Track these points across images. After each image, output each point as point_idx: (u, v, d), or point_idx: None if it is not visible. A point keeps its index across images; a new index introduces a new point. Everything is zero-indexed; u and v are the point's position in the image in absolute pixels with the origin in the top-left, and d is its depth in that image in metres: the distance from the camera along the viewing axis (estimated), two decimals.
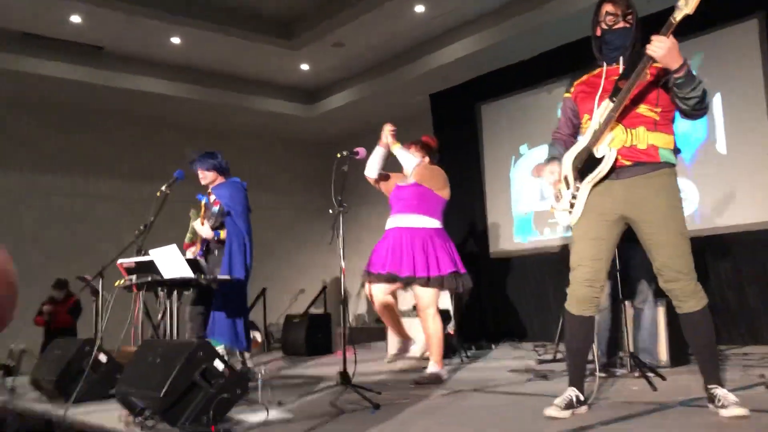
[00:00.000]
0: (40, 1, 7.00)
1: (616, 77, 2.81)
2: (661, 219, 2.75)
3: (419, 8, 7.50)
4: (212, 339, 4.77)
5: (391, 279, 4.35)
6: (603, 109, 2.82)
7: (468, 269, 4.53)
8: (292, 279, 10.60)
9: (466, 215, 8.65)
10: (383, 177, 4.73)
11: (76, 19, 7.37)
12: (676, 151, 2.88)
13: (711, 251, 6.19)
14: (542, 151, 7.54)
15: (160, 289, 4.46)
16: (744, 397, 2.68)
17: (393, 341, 4.87)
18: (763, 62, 6.10)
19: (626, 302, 4.33)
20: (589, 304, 2.87)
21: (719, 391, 2.66)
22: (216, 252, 5.01)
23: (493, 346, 7.07)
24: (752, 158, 6.12)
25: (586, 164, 2.86)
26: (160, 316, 4.76)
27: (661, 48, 2.56)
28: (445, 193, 4.54)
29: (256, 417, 3.04)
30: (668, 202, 2.77)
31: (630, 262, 4.31)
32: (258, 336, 8.69)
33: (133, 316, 5.23)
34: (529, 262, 7.91)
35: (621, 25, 2.87)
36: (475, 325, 7.82)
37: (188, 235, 5.22)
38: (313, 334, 7.65)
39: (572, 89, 3.06)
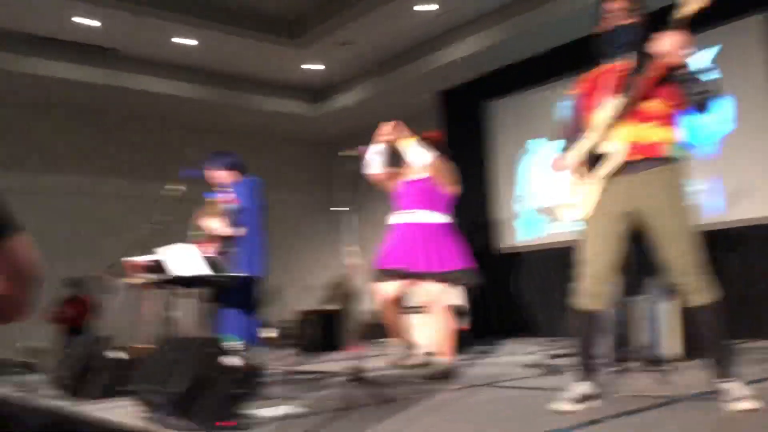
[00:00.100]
0: (49, 4, 7.04)
1: (624, 73, 2.82)
2: (670, 213, 2.76)
3: (425, 6, 7.49)
4: (225, 335, 4.81)
5: (403, 275, 4.34)
6: (611, 105, 2.83)
7: (479, 264, 4.53)
8: (304, 276, 10.64)
9: (472, 212, 8.64)
10: (388, 173, 4.67)
11: (82, 20, 7.39)
12: (687, 146, 2.88)
13: (721, 245, 6.17)
14: (549, 148, 7.53)
15: (175, 286, 4.50)
16: (755, 391, 2.68)
17: (395, 346, 4.75)
18: None
19: (636, 297, 4.34)
20: (598, 298, 2.89)
21: (730, 385, 2.67)
22: (231, 250, 5.04)
23: (504, 342, 7.08)
24: (763, 151, 6.10)
25: (594, 160, 2.87)
26: (173, 313, 4.80)
27: (666, 44, 2.57)
28: (455, 189, 4.54)
29: (271, 412, 3.08)
30: (676, 197, 2.77)
31: (640, 257, 4.30)
32: (272, 333, 8.74)
33: (146, 313, 5.28)
34: (540, 256, 7.91)
35: (626, 21, 2.88)
36: (486, 321, 7.84)
37: (198, 232, 5.24)
38: (326, 330, 7.70)
39: (580, 85, 3.07)
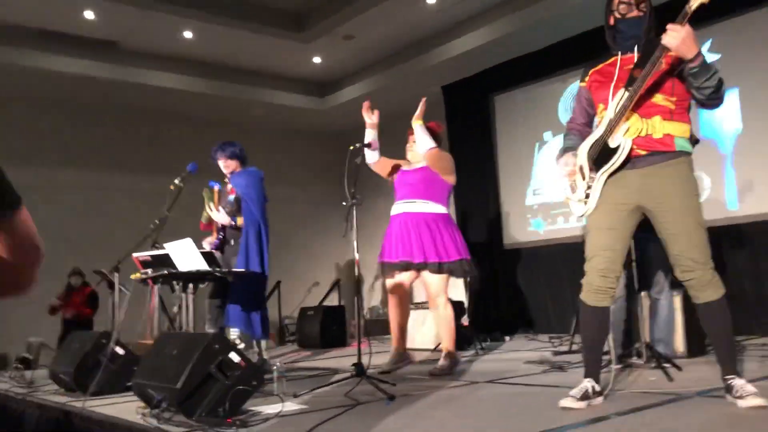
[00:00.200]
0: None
1: (631, 67, 2.79)
2: (677, 208, 2.73)
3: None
4: (228, 326, 4.81)
5: (405, 267, 4.33)
6: (618, 98, 2.80)
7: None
8: (306, 271, 10.62)
9: (480, 206, 8.64)
10: (385, 161, 4.64)
11: (88, 14, 7.40)
12: (695, 140, 2.85)
13: (729, 241, 6.14)
14: (557, 141, 7.50)
15: (175, 282, 4.49)
16: (762, 387, 2.66)
17: (391, 351, 4.58)
18: None
19: (642, 293, 4.31)
20: (604, 294, 2.86)
21: (737, 382, 2.65)
22: (232, 241, 5.03)
23: (507, 338, 7.06)
24: None
25: (602, 154, 2.84)
26: (176, 308, 4.80)
27: (676, 38, 2.54)
28: (452, 179, 4.51)
29: (272, 408, 3.05)
30: (684, 192, 2.74)
31: (646, 252, 4.28)
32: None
33: (149, 309, 5.27)
34: (544, 252, 7.89)
35: (634, 13, 2.85)
36: (490, 317, 7.81)
37: (204, 214, 5.24)
38: (328, 326, 7.69)
39: (587, 78, 3.04)
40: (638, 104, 2.78)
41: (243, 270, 4.67)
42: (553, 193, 7.78)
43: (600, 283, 2.85)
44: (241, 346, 4.95)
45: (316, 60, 9.11)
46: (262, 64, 9.20)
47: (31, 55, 7.89)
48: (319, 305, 8.53)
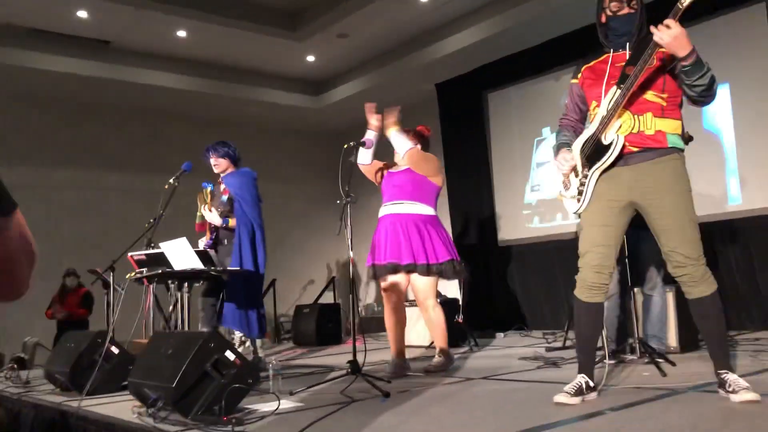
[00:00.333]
0: None
1: (623, 64, 2.80)
2: (670, 204, 2.74)
3: None
4: (223, 326, 4.81)
5: (393, 269, 4.25)
6: (610, 96, 2.81)
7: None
8: (301, 269, 10.63)
9: (474, 203, 8.65)
10: (375, 165, 4.58)
11: (82, 14, 7.39)
12: (688, 137, 2.86)
13: (721, 236, 6.17)
14: (551, 138, 7.52)
15: (170, 281, 4.49)
16: (755, 382, 2.68)
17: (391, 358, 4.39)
18: None
19: (635, 288, 4.33)
20: (598, 290, 2.88)
21: (730, 377, 2.66)
22: (225, 241, 5.04)
23: (501, 334, 7.08)
24: (763, 142, 6.08)
25: (594, 151, 2.85)
26: (171, 308, 4.80)
27: (668, 35, 2.55)
28: (438, 180, 4.44)
29: (268, 406, 3.06)
30: (676, 188, 2.76)
31: (639, 249, 4.30)
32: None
33: (145, 308, 5.27)
34: (538, 249, 7.91)
35: (626, 11, 2.86)
36: (484, 314, 7.84)
37: (198, 214, 5.24)
38: (323, 323, 7.70)
39: (579, 75, 3.05)
40: (630, 101, 2.79)
41: (237, 269, 4.67)
42: (552, 189, 7.81)
43: (594, 279, 2.86)
44: (247, 344, 4.96)
45: (310, 58, 9.10)
46: (255, 62, 9.20)
47: (25, 55, 7.87)
48: (315, 303, 8.54)
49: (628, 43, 2.87)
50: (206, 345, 2.94)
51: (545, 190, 7.84)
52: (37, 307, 7.64)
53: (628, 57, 2.82)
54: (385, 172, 4.56)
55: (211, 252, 4.64)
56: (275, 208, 9.31)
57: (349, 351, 3.74)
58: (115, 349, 4.12)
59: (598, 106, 2.88)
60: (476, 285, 7.72)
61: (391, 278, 4.32)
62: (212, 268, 4.38)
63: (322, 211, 10.52)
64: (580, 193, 2.92)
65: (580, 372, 2.89)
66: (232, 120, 10.26)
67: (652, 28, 2.59)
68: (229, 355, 2.97)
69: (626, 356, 4.12)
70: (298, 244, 10.73)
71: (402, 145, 4.37)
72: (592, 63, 3.02)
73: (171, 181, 4.83)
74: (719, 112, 6.35)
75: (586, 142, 2.90)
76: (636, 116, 2.79)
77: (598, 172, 2.85)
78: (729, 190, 6.32)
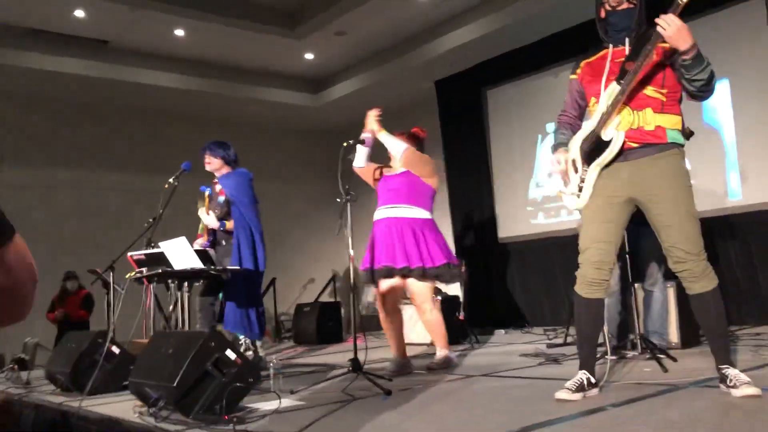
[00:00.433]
0: None
1: (622, 59, 2.79)
2: (670, 200, 2.74)
3: None
4: (225, 329, 4.81)
5: (388, 273, 4.20)
6: (610, 91, 2.80)
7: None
8: (302, 268, 10.63)
9: (473, 200, 8.64)
10: (371, 167, 4.53)
11: (80, 13, 7.37)
12: (689, 133, 2.86)
13: (721, 231, 6.16)
14: (551, 135, 7.51)
15: (170, 281, 4.49)
16: (756, 377, 2.68)
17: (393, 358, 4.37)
18: None
19: (636, 284, 4.33)
20: (598, 286, 2.87)
21: (731, 372, 2.66)
22: (224, 242, 5.03)
23: (502, 331, 7.08)
24: (762, 137, 6.08)
25: (594, 147, 2.84)
26: (171, 307, 4.80)
27: (671, 28, 2.54)
28: (433, 182, 4.39)
29: (269, 405, 3.06)
30: (676, 183, 2.75)
31: (639, 244, 4.29)
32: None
33: (145, 308, 5.27)
34: (539, 246, 7.90)
35: (625, 6, 2.85)
36: (485, 311, 7.84)
37: (201, 226, 5.23)
38: (324, 322, 7.71)
39: (579, 71, 3.04)
40: (630, 97, 2.78)
41: (237, 268, 4.67)
42: (547, 187, 7.81)
43: (594, 275, 2.86)
44: (237, 343, 4.95)
45: (309, 56, 9.09)
46: (254, 61, 9.18)
47: (23, 55, 7.86)
48: (315, 301, 8.55)
49: (627, 39, 2.85)
50: (207, 344, 2.93)
51: (549, 186, 7.83)
52: (37, 307, 7.60)
53: (627, 52, 2.81)
54: (381, 174, 4.53)
55: (211, 251, 4.64)
56: (275, 207, 9.32)
57: (350, 349, 3.74)
58: (115, 349, 4.12)
59: (597, 102, 2.87)
60: (476, 282, 7.71)
61: (386, 282, 4.27)
62: (212, 267, 4.38)
63: (322, 211, 10.52)
64: (579, 189, 2.91)
65: (581, 368, 2.88)
66: (232, 119, 10.25)
67: (656, 19, 2.58)
68: (230, 354, 2.96)
69: (627, 352, 4.11)
70: (298, 244, 10.72)
71: (396, 146, 4.35)
72: (591, 59, 3.01)
73: (171, 180, 4.82)
74: (719, 107, 6.34)
75: (585, 138, 2.89)
76: (635, 112, 2.78)
77: (598, 169, 2.84)
78: (729, 185, 6.31)
